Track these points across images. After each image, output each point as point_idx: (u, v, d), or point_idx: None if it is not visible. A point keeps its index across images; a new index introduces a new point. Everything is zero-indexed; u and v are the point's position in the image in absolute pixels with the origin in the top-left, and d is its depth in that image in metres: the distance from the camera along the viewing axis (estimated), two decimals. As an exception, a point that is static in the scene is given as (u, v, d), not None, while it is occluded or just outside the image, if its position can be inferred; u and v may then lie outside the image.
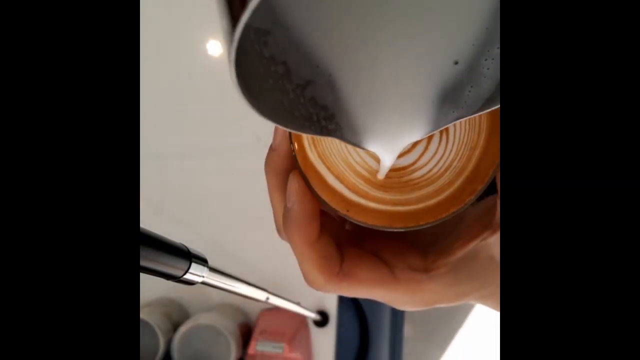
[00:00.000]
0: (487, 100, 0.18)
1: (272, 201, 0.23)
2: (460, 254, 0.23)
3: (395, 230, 0.21)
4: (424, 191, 0.21)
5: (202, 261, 0.27)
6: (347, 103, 0.19)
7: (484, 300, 0.25)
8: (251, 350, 0.63)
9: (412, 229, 0.21)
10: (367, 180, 0.21)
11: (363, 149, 0.20)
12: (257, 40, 0.16)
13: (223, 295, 0.67)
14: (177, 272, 0.25)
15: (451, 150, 0.21)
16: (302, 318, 0.68)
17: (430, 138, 0.21)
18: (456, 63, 0.18)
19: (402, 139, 0.20)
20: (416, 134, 0.19)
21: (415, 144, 0.21)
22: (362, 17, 0.17)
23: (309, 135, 0.21)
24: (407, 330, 0.90)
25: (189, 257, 0.26)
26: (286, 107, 0.17)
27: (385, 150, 0.20)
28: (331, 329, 0.70)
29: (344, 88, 0.18)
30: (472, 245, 0.22)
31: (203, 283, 0.28)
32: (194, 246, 0.27)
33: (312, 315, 0.64)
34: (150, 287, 0.73)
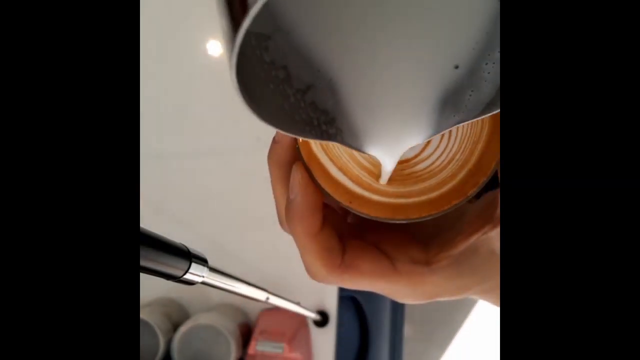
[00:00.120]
0: (487, 104, 0.18)
1: (274, 193, 0.23)
2: (461, 247, 0.23)
3: (398, 222, 0.21)
4: (426, 183, 0.21)
5: (202, 261, 0.27)
6: (348, 107, 0.19)
7: (484, 294, 0.25)
8: (251, 350, 0.63)
9: (414, 220, 0.21)
10: (370, 172, 0.21)
11: (364, 153, 0.20)
12: (258, 45, 0.16)
13: (223, 295, 0.67)
14: (177, 272, 0.25)
15: (454, 144, 0.21)
16: (302, 318, 0.68)
17: None
18: (456, 67, 0.18)
19: (402, 143, 0.20)
20: (417, 138, 0.19)
21: None
22: (362, 21, 0.17)
23: None
24: (407, 330, 0.90)
25: (189, 257, 0.26)
26: (287, 111, 0.17)
27: (386, 154, 0.20)
28: (331, 329, 0.70)
29: (344, 92, 0.18)
30: (474, 238, 0.22)
31: (203, 283, 0.28)
32: (194, 246, 0.27)
33: (312, 315, 0.64)
34: (150, 287, 0.73)
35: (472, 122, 0.20)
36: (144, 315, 0.64)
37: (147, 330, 0.63)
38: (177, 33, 0.78)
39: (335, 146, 0.21)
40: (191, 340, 0.63)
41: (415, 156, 0.21)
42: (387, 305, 0.79)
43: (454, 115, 0.19)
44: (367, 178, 0.21)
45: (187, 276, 0.26)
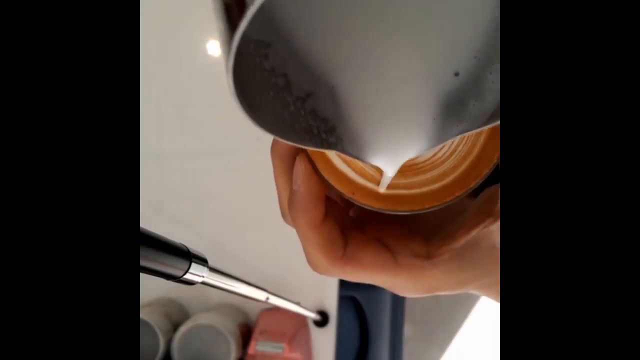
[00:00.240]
0: (492, 114, 0.18)
1: (277, 185, 0.23)
2: (462, 241, 0.23)
3: (400, 213, 0.21)
4: (428, 175, 0.21)
5: (202, 261, 0.27)
6: (349, 115, 0.18)
7: (485, 289, 0.25)
8: (251, 350, 0.63)
9: (417, 212, 0.21)
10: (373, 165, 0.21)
11: (365, 162, 0.20)
12: (257, 52, 0.16)
13: (223, 295, 0.67)
14: (177, 272, 0.25)
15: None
16: (302, 318, 0.68)
17: None
18: (457, 74, 0.18)
19: (404, 153, 0.19)
20: (419, 148, 0.19)
21: None
22: (364, 29, 0.16)
23: None
24: (407, 330, 0.90)
25: (189, 257, 0.26)
26: (286, 119, 0.17)
27: (388, 163, 0.20)
28: (331, 329, 0.70)
29: (345, 100, 0.18)
30: (475, 232, 0.22)
31: (203, 283, 0.28)
32: (194, 246, 0.27)
33: (312, 315, 0.64)
34: (150, 287, 0.73)
35: None
36: (144, 315, 0.64)
37: (147, 330, 0.63)
38: (177, 33, 0.78)
39: None
40: (191, 340, 0.63)
41: None
42: (387, 305, 0.80)
43: (457, 125, 0.19)
44: (370, 169, 0.21)
45: (187, 276, 0.26)
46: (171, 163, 0.77)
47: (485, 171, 0.20)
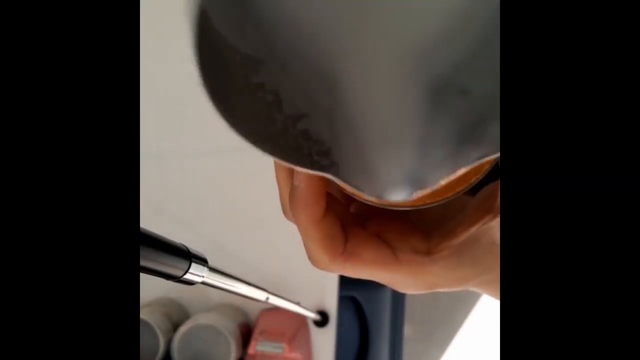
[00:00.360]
0: None
1: (278, 181, 0.23)
2: (462, 237, 0.23)
3: (401, 209, 0.21)
4: None
5: (202, 261, 0.27)
6: (348, 142, 0.16)
7: (485, 286, 0.25)
8: (251, 350, 0.63)
9: (418, 207, 0.21)
10: None
11: (362, 194, 0.18)
12: (243, 64, 0.14)
13: (223, 295, 0.67)
14: (177, 272, 0.25)
15: None
16: (302, 318, 0.68)
17: None
18: (464, 93, 0.16)
19: (413, 187, 0.17)
20: (430, 181, 0.17)
21: None
22: (366, 47, 0.15)
23: None
24: (407, 330, 0.90)
25: (189, 257, 0.26)
26: (271, 135, 0.15)
27: (394, 195, 0.18)
28: (331, 329, 0.70)
29: (345, 126, 0.16)
30: (475, 228, 0.23)
31: (203, 283, 0.28)
32: (194, 246, 0.27)
33: (312, 315, 0.64)
34: (150, 287, 0.73)
35: None
36: (144, 315, 0.64)
37: (147, 330, 0.63)
38: (177, 33, 0.78)
39: None
40: (191, 340, 0.63)
41: None
42: (387, 305, 0.80)
43: (474, 151, 0.16)
44: None
45: (187, 276, 0.26)
46: (171, 163, 0.77)
47: (486, 167, 0.20)
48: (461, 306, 1.40)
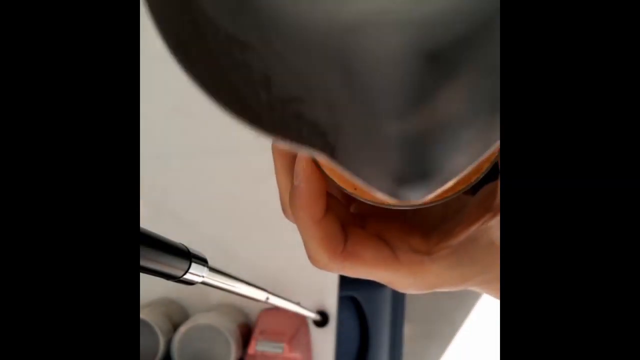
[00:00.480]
0: None
1: (278, 181, 0.23)
2: (461, 236, 0.23)
3: (401, 208, 0.21)
4: None
5: (202, 261, 0.27)
6: (350, 127, 0.15)
7: (485, 285, 0.25)
8: (251, 350, 0.63)
9: (417, 207, 0.21)
10: None
11: (368, 191, 0.16)
12: (226, 41, 0.13)
13: (223, 295, 0.67)
14: (177, 272, 0.25)
15: None
16: (302, 318, 0.68)
17: None
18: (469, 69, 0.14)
19: (428, 186, 0.15)
20: (450, 173, 0.14)
21: None
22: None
23: None
24: (407, 329, 0.90)
25: (189, 257, 0.26)
26: (251, 106, 0.13)
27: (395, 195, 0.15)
28: (331, 329, 0.70)
29: (346, 109, 0.14)
30: (474, 228, 0.23)
31: (203, 283, 0.28)
32: (194, 246, 0.27)
33: (312, 315, 0.64)
34: (150, 287, 0.73)
35: None
36: (144, 315, 0.64)
37: (147, 330, 0.63)
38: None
39: None
40: (191, 340, 0.63)
41: None
42: (387, 305, 0.80)
43: (491, 132, 0.14)
44: None
45: (187, 276, 0.26)
46: (172, 163, 0.77)
47: (486, 166, 0.20)
48: (461, 305, 1.40)
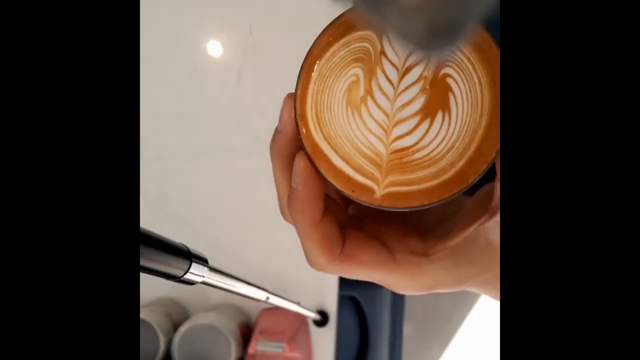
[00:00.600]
0: None
1: (276, 183, 0.24)
2: (459, 238, 0.23)
3: (399, 210, 0.21)
4: (426, 171, 0.22)
5: (202, 261, 0.27)
6: None
7: (483, 286, 0.25)
8: (251, 350, 0.63)
9: (415, 209, 0.21)
10: (372, 162, 0.22)
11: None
12: None
13: (223, 295, 0.67)
14: (177, 272, 0.25)
15: (454, 131, 0.21)
16: (302, 318, 0.68)
17: (432, 118, 0.21)
18: None
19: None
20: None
21: (417, 125, 0.21)
22: None
23: (315, 117, 0.21)
24: (407, 329, 0.90)
25: (189, 257, 0.26)
26: None
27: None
28: (331, 328, 0.70)
29: None
30: (471, 229, 0.23)
31: (203, 283, 0.28)
32: (194, 246, 0.27)
33: (312, 315, 0.64)
34: (150, 287, 0.73)
35: (471, 109, 0.21)
36: (144, 315, 0.64)
37: (147, 330, 0.63)
38: (177, 33, 0.78)
39: (337, 135, 0.21)
40: (191, 340, 0.63)
41: (415, 144, 0.22)
42: (387, 305, 0.80)
43: None
44: (369, 167, 0.22)
45: (187, 276, 0.26)
46: (171, 163, 0.77)
47: (484, 167, 0.21)
48: (461, 305, 1.40)
